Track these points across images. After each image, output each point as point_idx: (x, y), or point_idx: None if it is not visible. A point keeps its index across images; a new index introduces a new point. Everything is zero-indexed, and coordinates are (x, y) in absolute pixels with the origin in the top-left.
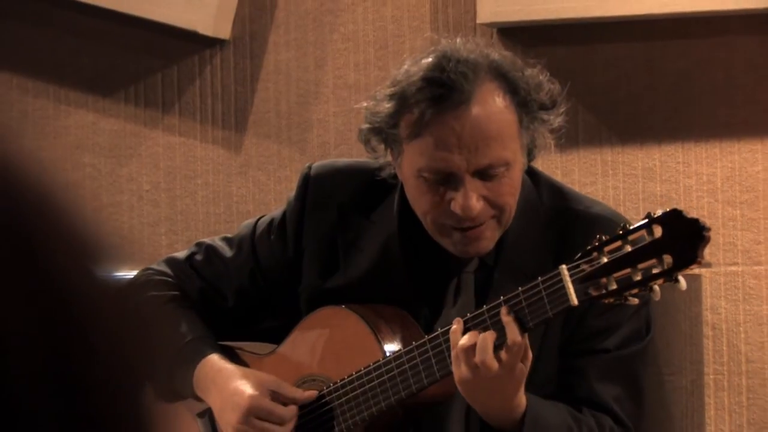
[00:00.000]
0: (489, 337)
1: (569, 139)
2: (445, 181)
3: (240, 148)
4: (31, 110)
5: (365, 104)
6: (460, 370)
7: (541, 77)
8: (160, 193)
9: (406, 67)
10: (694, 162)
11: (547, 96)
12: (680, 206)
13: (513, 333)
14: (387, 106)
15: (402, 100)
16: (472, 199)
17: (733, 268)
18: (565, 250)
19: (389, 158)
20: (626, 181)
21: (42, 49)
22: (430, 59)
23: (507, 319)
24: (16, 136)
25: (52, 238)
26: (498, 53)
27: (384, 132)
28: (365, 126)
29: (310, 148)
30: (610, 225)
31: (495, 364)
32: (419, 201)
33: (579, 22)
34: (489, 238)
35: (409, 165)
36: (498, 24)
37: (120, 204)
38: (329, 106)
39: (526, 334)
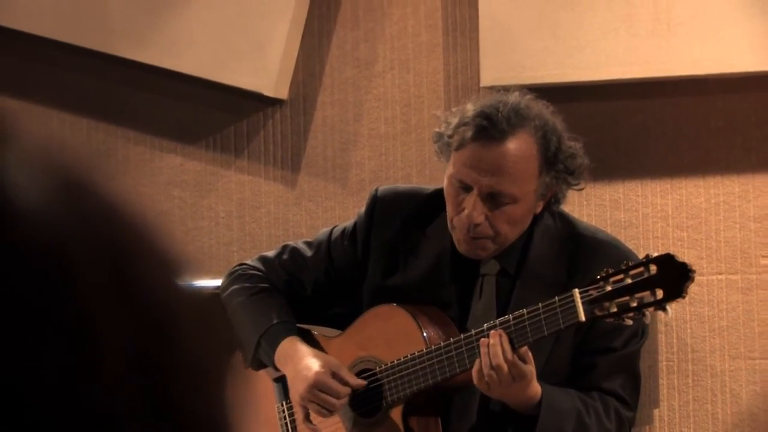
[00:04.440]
0: (506, 343)
1: None
2: (464, 190)
3: (295, 184)
4: (132, 155)
5: (441, 114)
6: (478, 371)
7: (577, 149)
8: (233, 220)
9: (481, 101)
10: (651, 195)
11: (576, 165)
12: (639, 230)
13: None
14: (453, 120)
15: (461, 119)
16: (475, 212)
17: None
18: (574, 266)
19: (444, 159)
20: (597, 210)
21: (141, 107)
22: (494, 100)
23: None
24: (100, 165)
25: (140, 255)
26: (550, 117)
27: (444, 138)
28: (437, 129)
29: (350, 184)
30: (609, 248)
31: (506, 367)
32: (448, 199)
33: (558, 86)
34: (484, 249)
35: (449, 169)
36: (497, 87)
37: (201, 228)
38: (365, 152)
39: (526, 346)
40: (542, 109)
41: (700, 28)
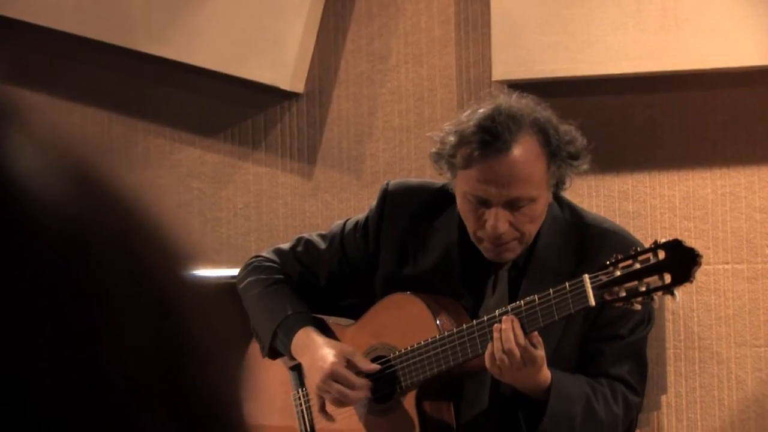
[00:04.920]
0: (518, 328)
1: None
2: (482, 204)
3: (311, 176)
4: (152, 147)
5: (435, 133)
6: (491, 355)
7: (573, 133)
8: (251, 211)
9: (469, 112)
10: (659, 186)
11: (576, 148)
12: (647, 221)
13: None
14: (450, 139)
15: (461, 138)
16: (499, 222)
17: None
18: (582, 256)
19: (449, 176)
20: (606, 201)
21: (161, 101)
22: (486, 109)
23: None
24: (113, 157)
25: (151, 245)
26: (541, 111)
27: (445, 158)
28: (434, 150)
29: (365, 176)
30: (616, 237)
31: (518, 351)
32: (465, 216)
33: (568, 80)
34: (512, 251)
35: (459, 187)
36: (508, 81)
37: (219, 219)
38: (379, 144)
39: (535, 331)
40: (530, 104)
41: (706, 23)
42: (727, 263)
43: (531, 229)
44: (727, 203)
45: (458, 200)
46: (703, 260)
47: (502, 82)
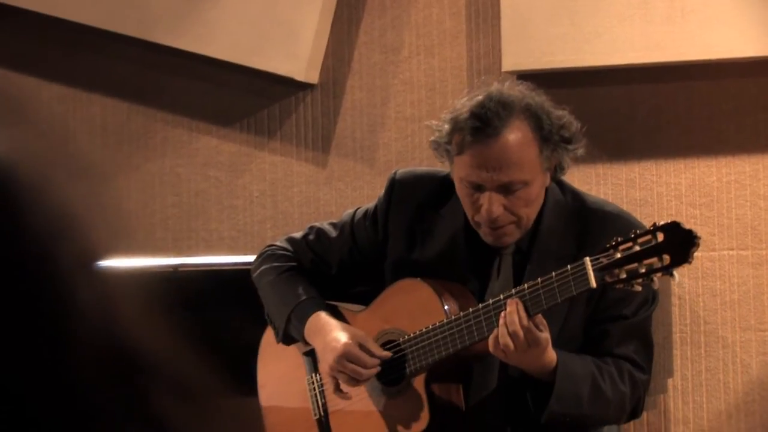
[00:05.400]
0: (522, 311)
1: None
2: (477, 189)
3: (325, 165)
4: (170, 137)
5: (433, 122)
6: (495, 338)
7: (566, 117)
8: (266, 199)
9: (464, 100)
10: (665, 174)
11: (570, 133)
12: (654, 208)
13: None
14: (446, 127)
15: (455, 124)
16: (493, 206)
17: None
18: (583, 238)
19: (448, 163)
20: (613, 188)
21: (179, 91)
22: (479, 97)
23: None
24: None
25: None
26: (534, 96)
27: (442, 145)
28: (432, 138)
29: (377, 164)
30: (617, 219)
31: (522, 333)
32: (463, 201)
33: (576, 71)
34: (510, 235)
35: (456, 173)
36: (518, 71)
37: (236, 206)
38: (391, 133)
39: (539, 314)
40: (523, 90)
41: (712, 14)
42: (732, 249)
43: (527, 213)
44: (732, 191)
45: (456, 186)
46: (709, 246)
47: (511, 73)
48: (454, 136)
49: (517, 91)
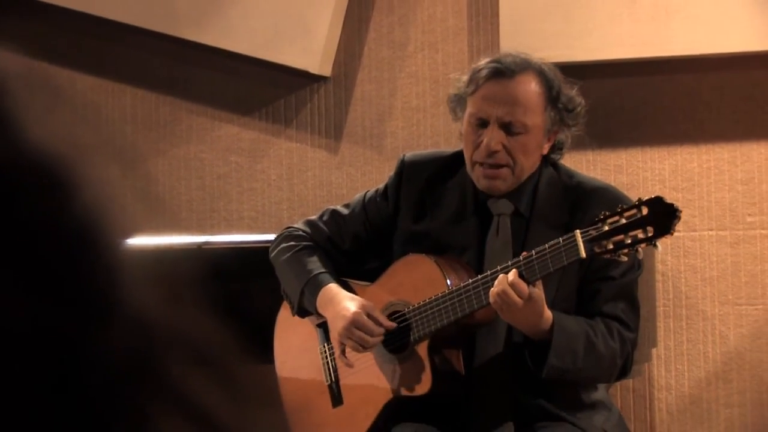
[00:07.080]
0: (515, 278)
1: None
2: (482, 125)
3: (337, 151)
4: (194, 125)
5: (454, 76)
6: (494, 301)
7: (574, 92)
8: (283, 182)
9: (487, 58)
10: (650, 160)
11: (574, 104)
12: (639, 192)
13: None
14: (464, 78)
15: (473, 73)
16: (493, 140)
17: (677, 234)
18: (575, 208)
19: (461, 115)
20: (602, 174)
21: (202, 83)
22: (500, 54)
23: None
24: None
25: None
26: (552, 69)
27: (460, 96)
28: (451, 92)
29: (385, 151)
30: (605, 192)
31: (515, 296)
32: (467, 140)
33: (569, 65)
34: (504, 180)
35: (466, 116)
36: None
37: (255, 189)
38: (398, 123)
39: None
40: (541, 62)
41: (694, 13)
42: (712, 230)
43: (522, 161)
44: (711, 176)
45: (463, 129)
46: (690, 227)
47: None
48: (472, 81)
49: (536, 58)
